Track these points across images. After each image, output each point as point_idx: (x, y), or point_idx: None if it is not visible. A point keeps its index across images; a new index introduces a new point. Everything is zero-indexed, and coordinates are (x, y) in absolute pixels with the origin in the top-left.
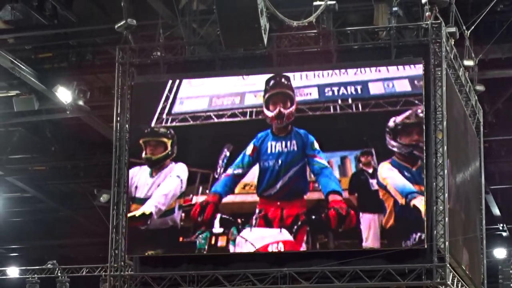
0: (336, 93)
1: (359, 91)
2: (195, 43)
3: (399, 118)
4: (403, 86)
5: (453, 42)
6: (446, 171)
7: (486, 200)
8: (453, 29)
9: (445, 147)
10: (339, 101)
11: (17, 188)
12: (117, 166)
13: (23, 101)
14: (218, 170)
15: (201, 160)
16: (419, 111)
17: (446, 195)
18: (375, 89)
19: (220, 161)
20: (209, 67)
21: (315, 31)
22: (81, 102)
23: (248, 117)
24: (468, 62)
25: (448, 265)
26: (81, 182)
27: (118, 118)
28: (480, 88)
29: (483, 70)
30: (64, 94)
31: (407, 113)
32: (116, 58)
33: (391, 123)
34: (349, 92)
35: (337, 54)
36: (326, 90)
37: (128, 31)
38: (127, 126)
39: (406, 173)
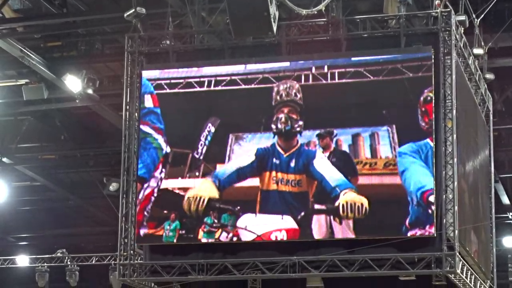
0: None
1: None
2: (204, 32)
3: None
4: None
5: (462, 31)
6: (455, 160)
7: (496, 188)
8: (462, 18)
9: (455, 136)
10: (313, 70)
11: (27, 177)
12: (127, 154)
13: (32, 89)
14: (199, 149)
15: (177, 136)
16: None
17: (456, 183)
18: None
19: (202, 138)
20: (218, 56)
21: (324, 19)
22: (90, 91)
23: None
24: (478, 51)
25: (458, 254)
26: (90, 170)
27: (128, 107)
28: (489, 76)
29: (493, 58)
30: (73, 83)
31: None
32: (125, 46)
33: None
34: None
35: (347, 43)
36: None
37: (137, 20)
38: (136, 114)
39: (275, 160)
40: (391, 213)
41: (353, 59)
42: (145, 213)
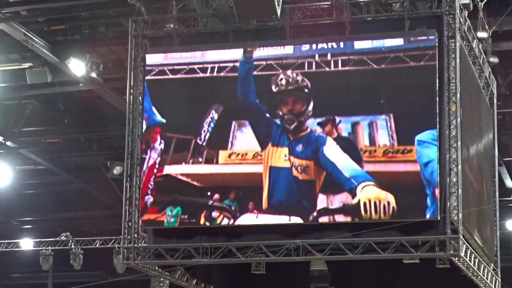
0: (314, 47)
1: (341, 45)
2: (208, 15)
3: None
4: (395, 41)
5: (466, 14)
6: (459, 143)
7: (499, 172)
8: (466, 1)
9: (459, 119)
10: (316, 57)
11: (31, 160)
12: (131, 138)
13: (36, 73)
14: (202, 136)
15: (180, 123)
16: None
17: (460, 167)
18: (361, 44)
19: (205, 125)
20: (222, 39)
21: (328, 2)
22: (94, 75)
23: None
24: (482, 34)
25: (462, 237)
26: (94, 154)
27: (131, 91)
28: (493, 60)
29: (497, 41)
30: (77, 67)
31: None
32: (129, 30)
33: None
34: (329, 46)
35: (350, 26)
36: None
37: (141, 3)
38: (140, 98)
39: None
40: (413, 208)
41: (356, 47)
42: (148, 191)
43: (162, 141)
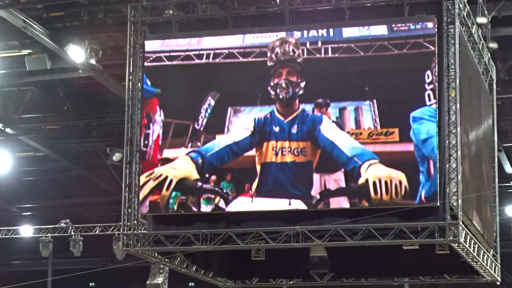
0: (305, 34)
1: (331, 34)
2: (207, 1)
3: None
4: (380, 30)
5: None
6: (459, 129)
7: (499, 157)
8: None
9: (458, 105)
10: (307, 45)
11: (30, 147)
12: (130, 124)
13: (35, 60)
14: (200, 121)
15: (178, 108)
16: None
17: (459, 152)
18: (349, 32)
19: (203, 111)
20: (221, 25)
21: None
22: (93, 61)
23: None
24: (481, 20)
25: (461, 223)
26: (94, 141)
27: (131, 77)
28: (493, 45)
29: (496, 27)
30: (76, 53)
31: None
32: (128, 16)
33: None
34: (320, 34)
35: (350, 12)
36: (295, 33)
37: None
38: (139, 84)
39: (274, 128)
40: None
41: (344, 35)
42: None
43: (162, 112)
